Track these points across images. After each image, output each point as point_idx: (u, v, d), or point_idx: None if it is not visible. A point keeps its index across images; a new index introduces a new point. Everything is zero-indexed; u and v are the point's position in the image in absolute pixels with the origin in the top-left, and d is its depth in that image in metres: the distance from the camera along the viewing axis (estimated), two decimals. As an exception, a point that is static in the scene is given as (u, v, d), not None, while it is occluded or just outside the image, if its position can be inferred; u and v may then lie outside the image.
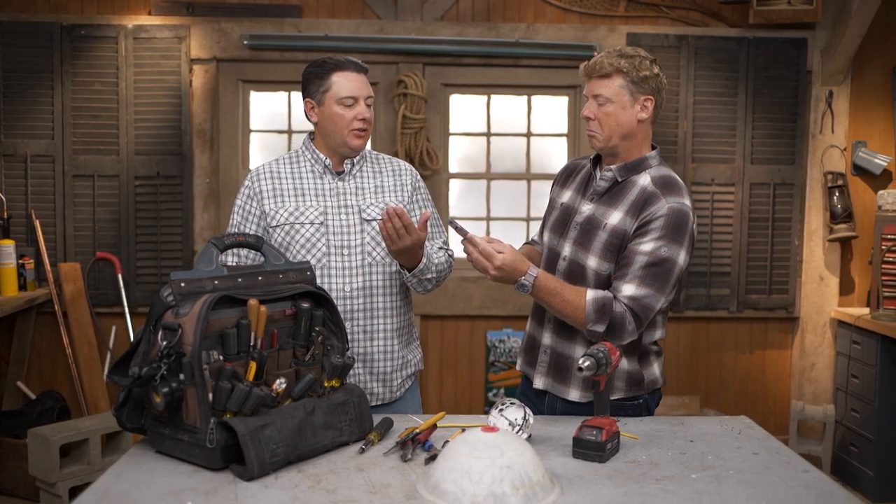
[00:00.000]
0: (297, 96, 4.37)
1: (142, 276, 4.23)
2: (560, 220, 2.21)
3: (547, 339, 2.19)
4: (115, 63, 4.14)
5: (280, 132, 4.42)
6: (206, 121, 4.23)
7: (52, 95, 4.14)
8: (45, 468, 3.50)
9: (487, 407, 4.41)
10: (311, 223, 2.25)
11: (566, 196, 2.24)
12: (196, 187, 4.25)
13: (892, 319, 3.88)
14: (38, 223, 4.14)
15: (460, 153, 4.49)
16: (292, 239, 2.24)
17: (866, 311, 4.17)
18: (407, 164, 2.42)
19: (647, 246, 2.00)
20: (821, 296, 4.39)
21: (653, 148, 2.15)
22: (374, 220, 2.27)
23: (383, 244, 2.27)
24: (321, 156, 2.29)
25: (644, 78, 2.05)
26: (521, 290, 2.01)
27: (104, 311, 4.25)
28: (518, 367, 2.33)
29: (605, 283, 2.07)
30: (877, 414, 3.93)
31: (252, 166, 4.38)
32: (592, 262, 2.08)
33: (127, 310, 4.17)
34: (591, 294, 2.01)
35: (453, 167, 4.46)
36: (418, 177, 2.42)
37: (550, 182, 2.39)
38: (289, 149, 4.41)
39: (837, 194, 4.26)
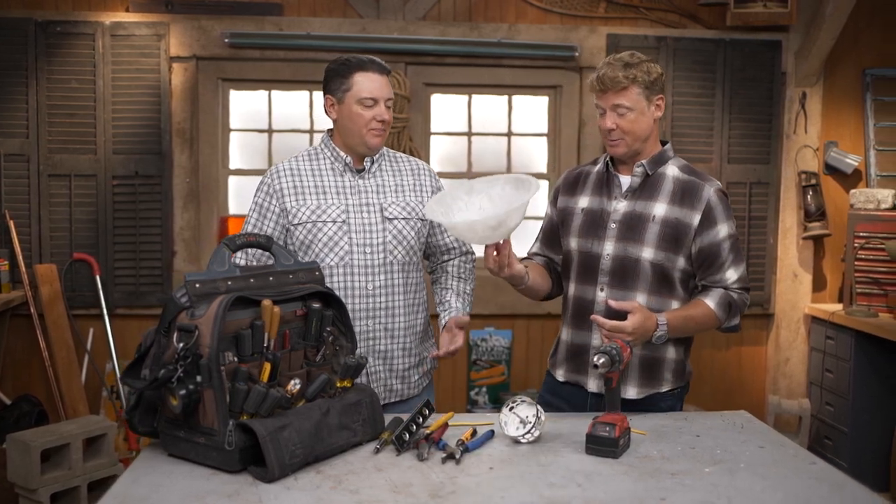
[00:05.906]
0: (277, 95, 4.34)
1: (120, 278, 4.16)
2: (588, 223, 2.24)
3: (597, 339, 2.19)
4: (91, 60, 4.06)
5: (260, 131, 4.37)
6: (186, 120, 4.17)
7: (26, 93, 4.04)
8: (25, 474, 3.41)
9: (469, 406, 4.43)
10: (334, 221, 2.24)
11: (584, 201, 2.28)
12: (175, 187, 4.18)
13: (865, 315, 3.98)
14: (12, 224, 4.04)
15: (442, 152, 4.50)
16: (314, 237, 2.23)
17: (838, 307, 4.28)
18: (425, 164, 2.42)
19: (722, 232, 2.16)
20: (795, 293, 4.49)
21: (663, 143, 2.25)
22: (396, 218, 2.28)
23: (404, 243, 2.28)
24: (341, 154, 2.28)
25: (654, 81, 2.14)
26: (659, 341, 2.09)
27: (81, 313, 4.16)
28: (560, 378, 2.31)
29: (658, 270, 2.16)
30: (851, 407, 4.03)
31: (232, 166, 4.34)
32: (647, 252, 2.15)
33: (105, 312, 4.09)
34: (711, 302, 2.16)
35: (435, 166, 4.45)
36: (436, 177, 2.42)
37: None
38: (269, 148, 4.37)
39: (811, 193, 4.36)
